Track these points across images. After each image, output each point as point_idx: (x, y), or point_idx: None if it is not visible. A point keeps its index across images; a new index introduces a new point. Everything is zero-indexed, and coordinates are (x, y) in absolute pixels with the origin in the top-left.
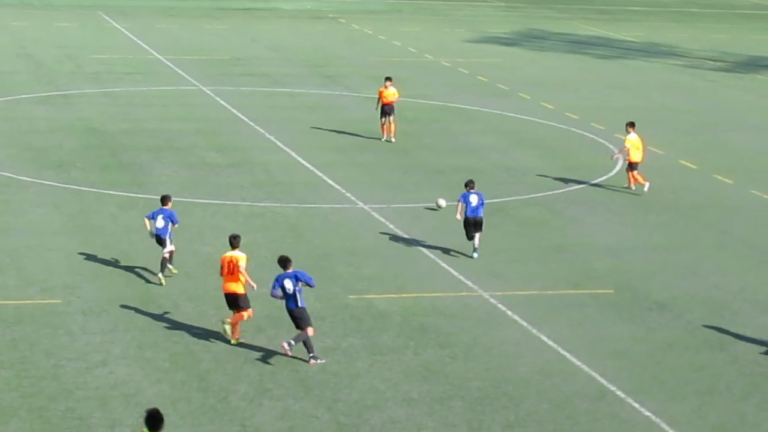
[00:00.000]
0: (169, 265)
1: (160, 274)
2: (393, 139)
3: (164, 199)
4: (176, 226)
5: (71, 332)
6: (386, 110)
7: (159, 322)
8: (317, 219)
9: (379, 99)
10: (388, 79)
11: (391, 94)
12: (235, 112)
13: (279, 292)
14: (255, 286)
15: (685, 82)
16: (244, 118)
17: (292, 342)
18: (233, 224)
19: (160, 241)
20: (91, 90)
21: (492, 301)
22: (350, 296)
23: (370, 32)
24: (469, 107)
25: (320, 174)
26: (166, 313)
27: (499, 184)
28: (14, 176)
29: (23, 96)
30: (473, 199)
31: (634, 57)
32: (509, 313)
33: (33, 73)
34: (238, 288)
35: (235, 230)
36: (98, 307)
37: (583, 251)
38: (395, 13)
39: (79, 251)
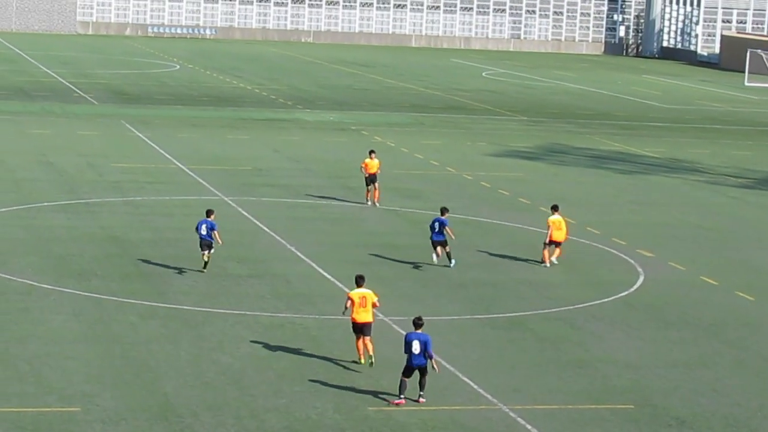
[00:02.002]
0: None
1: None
2: (378, 204)
3: (208, 213)
4: (216, 230)
5: None
6: (370, 179)
7: None
8: (337, 331)
9: (364, 170)
10: (372, 151)
11: (375, 165)
12: (256, 222)
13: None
14: None
15: (707, 199)
16: (266, 229)
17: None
18: (253, 334)
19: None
20: (112, 198)
21: (512, 415)
22: (370, 408)
23: (393, 144)
24: (490, 221)
25: (341, 285)
26: (185, 422)
27: (520, 299)
28: (35, 284)
29: (44, 204)
30: (436, 225)
31: (656, 173)
32: (529, 427)
33: (54, 181)
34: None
35: (255, 342)
36: (117, 416)
37: (603, 366)
38: (417, 126)
39: (99, 360)
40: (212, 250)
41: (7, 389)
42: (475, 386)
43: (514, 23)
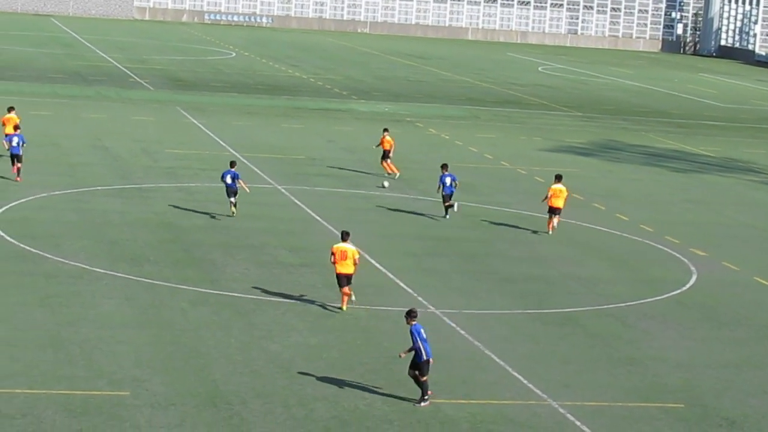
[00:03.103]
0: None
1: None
2: (396, 175)
3: (232, 164)
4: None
5: (138, 425)
6: (386, 155)
7: (226, 419)
8: (388, 322)
9: (381, 145)
10: (385, 129)
11: (389, 141)
12: (309, 211)
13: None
14: None
15: (762, 199)
16: (318, 218)
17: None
18: (303, 324)
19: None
20: (166, 184)
21: (561, 411)
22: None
23: (447, 137)
24: (543, 216)
25: (392, 277)
26: (234, 410)
27: (571, 294)
28: (87, 267)
29: (98, 188)
30: (447, 180)
31: (710, 172)
32: (578, 423)
33: (109, 166)
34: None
35: (305, 331)
36: (166, 401)
37: (654, 365)
38: (473, 119)
39: (149, 345)
40: (237, 196)
41: (58, 372)
42: (525, 381)
43: (572, 18)
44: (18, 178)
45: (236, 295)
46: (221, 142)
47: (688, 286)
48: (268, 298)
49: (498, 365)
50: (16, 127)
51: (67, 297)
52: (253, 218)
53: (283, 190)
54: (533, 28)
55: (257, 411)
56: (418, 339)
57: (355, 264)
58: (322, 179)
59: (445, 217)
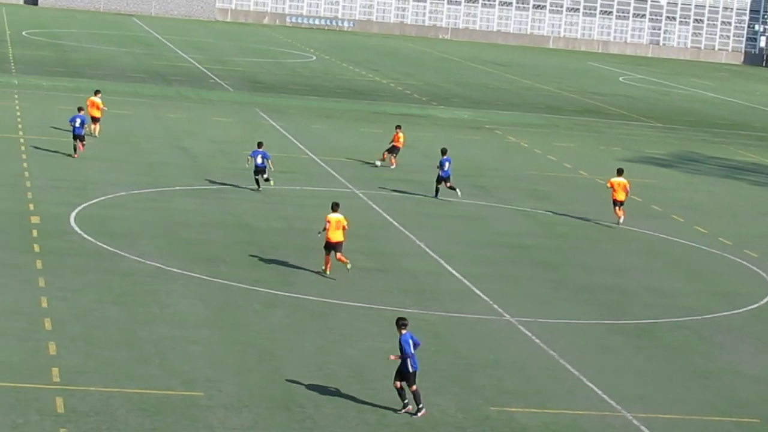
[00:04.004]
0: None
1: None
2: (393, 166)
3: (260, 144)
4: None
5: (211, 426)
6: (394, 150)
7: (299, 422)
8: (462, 329)
9: (393, 141)
10: (398, 126)
11: (399, 138)
12: (386, 216)
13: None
14: None
15: None
16: (395, 223)
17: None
18: (378, 328)
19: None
20: (243, 186)
21: (635, 422)
22: (492, 408)
23: (526, 145)
24: (622, 226)
25: (468, 284)
26: (307, 413)
27: (647, 306)
28: (163, 267)
29: (176, 188)
30: (446, 164)
31: None
32: None
33: (187, 166)
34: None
35: (380, 335)
36: (239, 403)
37: (730, 379)
38: (552, 127)
39: (223, 346)
40: (266, 176)
41: (132, 371)
42: (600, 392)
43: (654, 29)
44: (76, 155)
45: (311, 298)
46: (299, 144)
47: (765, 300)
48: (343, 302)
49: (573, 375)
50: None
51: (142, 296)
52: None
53: (360, 194)
54: (615, 37)
55: (330, 415)
56: (408, 348)
57: (345, 232)
58: (400, 184)
59: (435, 197)
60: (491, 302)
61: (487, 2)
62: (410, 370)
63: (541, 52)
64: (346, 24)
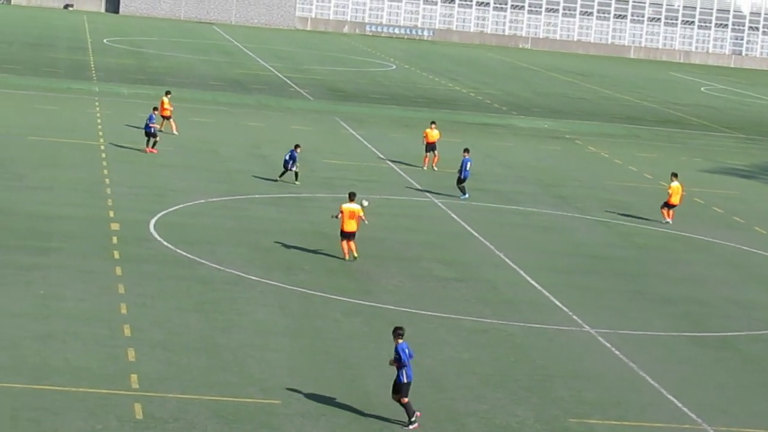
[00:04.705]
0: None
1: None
2: (435, 168)
3: (296, 146)
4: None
5: None
6: (430, 147)
7: (377, 431)
8: (542, 339)
9: (425, 138)
10: (433, 122)
11: (435, 135)
12: (465, 226)
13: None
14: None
15: None
16: (474, 233)
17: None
18: (456, 338)
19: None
20: (322, 194)
21: None
22: (571, 419)
23: (606, 155)
24: (701, 237)
25: (547, 294)
26: (384, 422)
27: (728, 318)
28: (242, 275)
29: (255, 196)
30: (468, 165)
31: None
32: None
33: (266, 174)
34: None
35: (458, 345)
36: (317, 411)
37: None
38: (632, 138)
39: (301, 354)
40: (284, 175)
41: (210, 378)
42: (680, 404)
43: (736, 39)
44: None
45: (389, 307)
46: (379, 153)
47: None
48: (421, 312)
49: (652, 387)
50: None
51: (221, 303)
52: (409, 231)
53: (439, 204)
54: (696, 47)
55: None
56: (405, 357)
57: (358, 222)
58: (479, 194)
59: (465, 195)
60: (570, 313)
61: (567, 12)
62: (404, 380)
63: (622, 62)
64: (425, 33)
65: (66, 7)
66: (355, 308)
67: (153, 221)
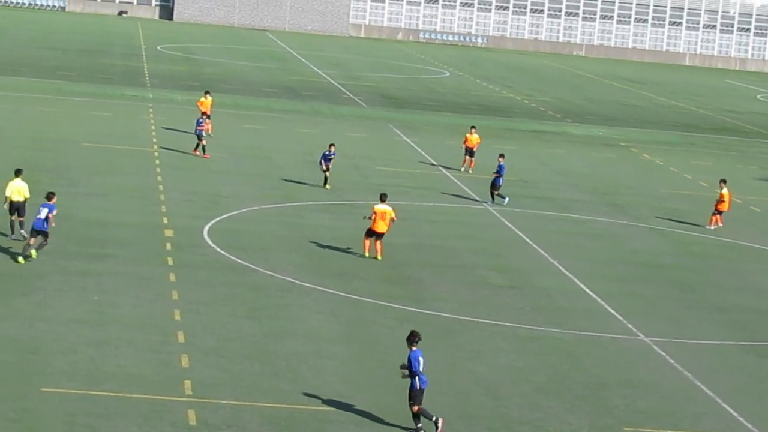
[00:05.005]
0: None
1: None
2: (471, 171)
3: (330, 146)
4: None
5: None
6: (469, 151)
7: None
8: (596, 348)
9: (464, 143)
10: (473, 127)
11: (474, 140)
12: (519, 233)
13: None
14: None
15: None
16: (528, 241)
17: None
18: (510, 346)
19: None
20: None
21: None
22: (625, 428)
23: (662, 163)
24: (759, 246)
25: (602, 302)
26: (438, 429)
27: None
28: (296, 281)
29: (309, 203)
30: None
31: None
32: None
33: (319, 181)
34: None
35: (511, 353)
36: (370, 419)
37: None
38: (688, 146)
39: (355, 361)
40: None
41: (264, 384)
42: (735, 414)
43: None
44: (198, 153)
45: (443, 314)
46: (432, 161)
47: None
48: (475, 319)
49: (707, 396)
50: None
51: (275, 310)
52: (463, 238)
53: (493, 211)
54: (753, 55)
55: (463, 430)
56: (417, 366)
57: (389, 223)
58: (533, 201)
59: (493, 201)
60: (625, 321)
61: (622, 19)
62: (417, 388)
63: (677, 69)
64: (479, 40)
65: (120, 14)
66: (408, 315)
67: (207, 228)
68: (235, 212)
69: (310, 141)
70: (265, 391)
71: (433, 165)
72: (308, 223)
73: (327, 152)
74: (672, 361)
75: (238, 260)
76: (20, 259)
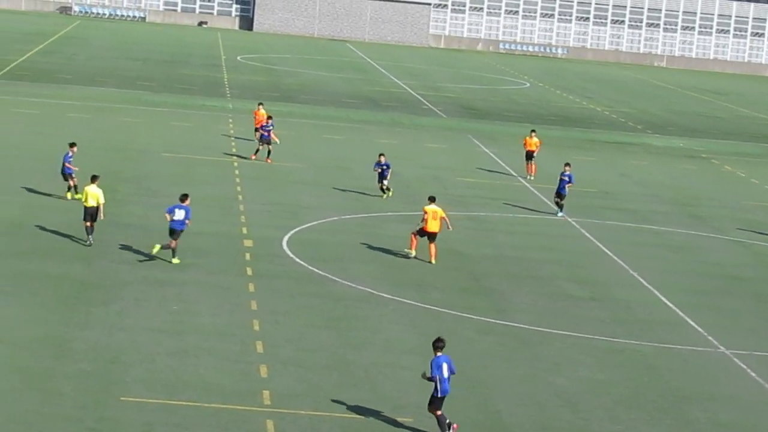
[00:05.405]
0: None
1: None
2: (532, 177)
3: (380, 155)
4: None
5: None
6: (529, 155)
7: None
8: (676, 360)
9: (524, 146)
10: (533, 131)
11: (534, 143)
12: (599, 245)
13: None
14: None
15: None
16: (609, 252)
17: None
18: (589, 358)
19: None
20: (455, 213)
21: None
22: None
23: (743, 175)
24: None
25: (682, 314)
26: None
27: None
28: (374, 292)
29: (387, 213)
30: (565, 178)
31: None
32: None
33: (398, 192)
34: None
35: (591, 365)
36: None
37: None
38: None
39: None
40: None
41: (342, 395)
42: None
43: None
44: (268, 160)
45: (522, 326)
46: (512, 171)
47: None
48: (555, 331)
49: None
50: (259, 121)
51: (353, 320)
52: (543, 250)
53: (573, 223)
54: None
55: None
56: (437, 372)
57: (441, 223)
58: (613, 213)
59: (557, 214)
60: (705, 334)
61: (703, 30)
62: (438, 395)
63: (760, 81)
64: (559, 51)
65: (200, 24)
66: (487, 327)
67: (286, 238)
68: (314, 223)
69: (390, 152)
70: (343, 401)
71: (512, 176)
72: (387, 233)
73: (379, 162)
74: (753, 374)
75: (317, 270)
76: (175, 259)
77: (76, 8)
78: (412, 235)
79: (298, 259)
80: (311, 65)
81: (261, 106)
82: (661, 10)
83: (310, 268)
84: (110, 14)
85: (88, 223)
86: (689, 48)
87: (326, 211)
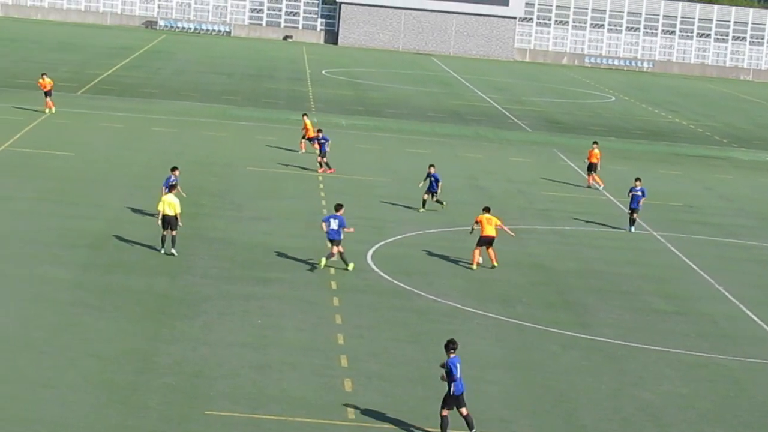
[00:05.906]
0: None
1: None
2: (599, 186)
3: (431, 166)
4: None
5: None
6: (592, 167)
7: None
8: (762, 375)
9: (588, 157)
10: (595, 142)
11: (596, 155)
12: (685, 259)
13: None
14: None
15: None
16: (694, 267)
17: None
18: (675, 372)
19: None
20: (540, 226)
21: None
22: None
23: None
24: None
25: None
26: None
27: None
28: (459, 306)
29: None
30: (638, 193)
31: None
32: None
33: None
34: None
35: (676, 380)
36: None
37: None
38: None
39: (518, 386)
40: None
41: (427, 409)
42: None
43: None
44: (322, 169)
45: (608, 340)
46: (597, 185)
47: None
48: (640, 345)
49: None
50: (307, 133)
51: (438, 335)
52: (629, 264)
53: (659, 237)
54: None
55: None
56: (456, 372)
57: (497, 229)
58: (699, 227)
59: (632, 229)
60: None
61: None
62: (452, 394)
63: None
64: (645, 65)
65: (285, 38)
66: (572, 341)
67: (370, 252)
68: (399, 237)
69: (475, 165)
70: (428, 415)
71: (597, 190)
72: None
73: (429, 173)
74: None
75: (402, 285)
76: (350, 265)
77: (161, 23)
78: (474, 252)
79: (382, 273)
80: (396, 79)
81: (306, 117)
82: (747, 23)
83: (395, 282)
84: (195, 28)
85: (165, 232)
86: None
87: (411, 225)
